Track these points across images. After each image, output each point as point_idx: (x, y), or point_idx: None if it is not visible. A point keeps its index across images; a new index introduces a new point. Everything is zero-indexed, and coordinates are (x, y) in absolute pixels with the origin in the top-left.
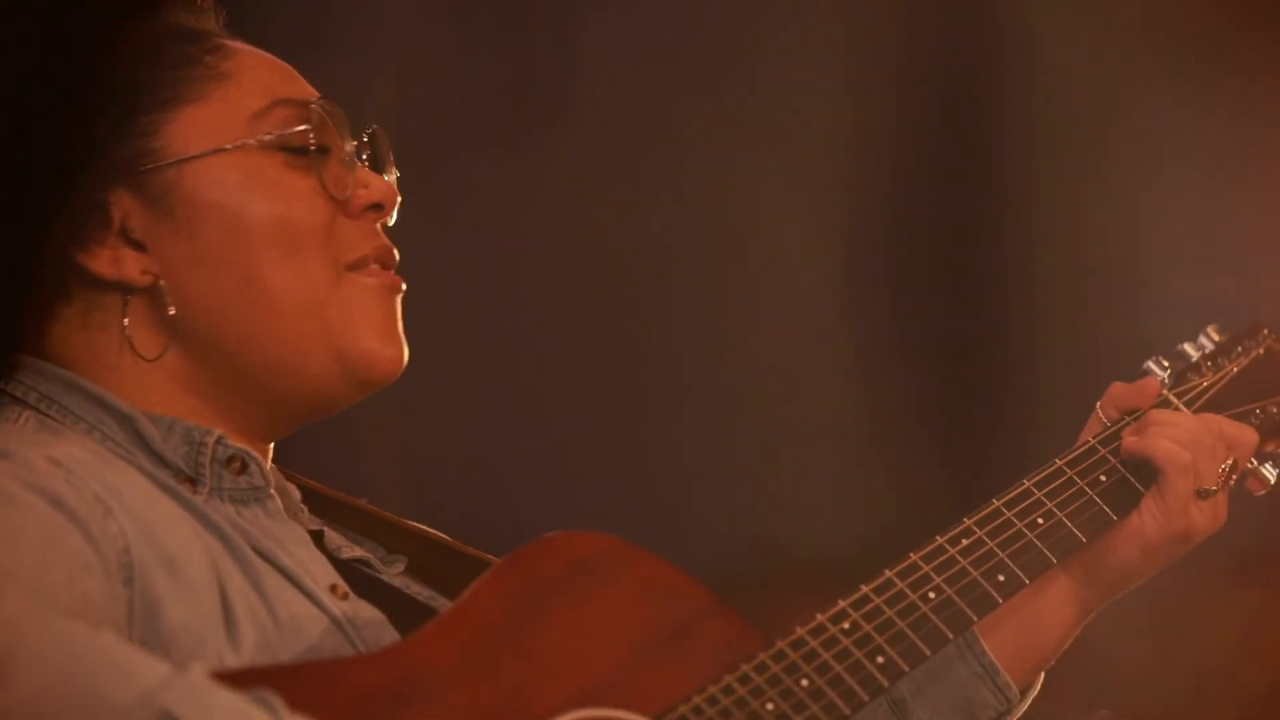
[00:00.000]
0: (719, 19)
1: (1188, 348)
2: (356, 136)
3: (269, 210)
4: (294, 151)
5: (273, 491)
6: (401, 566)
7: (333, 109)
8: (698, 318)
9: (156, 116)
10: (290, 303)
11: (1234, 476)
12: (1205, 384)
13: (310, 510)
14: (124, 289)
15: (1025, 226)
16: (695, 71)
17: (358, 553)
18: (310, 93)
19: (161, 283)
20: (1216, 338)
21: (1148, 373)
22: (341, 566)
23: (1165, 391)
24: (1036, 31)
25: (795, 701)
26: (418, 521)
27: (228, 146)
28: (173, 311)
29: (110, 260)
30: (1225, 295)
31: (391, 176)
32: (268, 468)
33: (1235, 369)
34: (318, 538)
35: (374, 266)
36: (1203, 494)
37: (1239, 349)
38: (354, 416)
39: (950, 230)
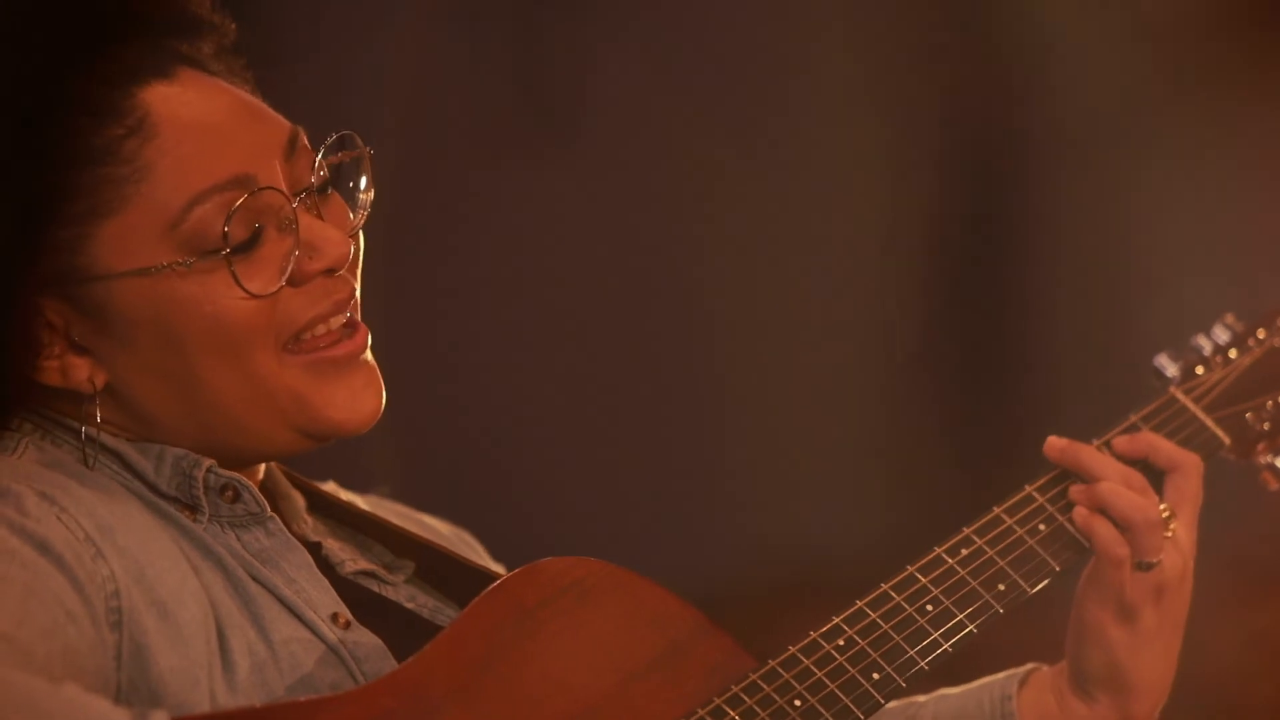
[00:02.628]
0: (735, 27)
1: (1200, 340)
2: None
3: (201, 323)
4: (216, 256)
5: (271, 514)
6: (408, 573)
7: (265, 170)
8: (714, 325)
9: (79, 231)
10: (238, 401)
11: (1172, 525)
12: (1215, 379)
13: (315, 516)
14: (77, 395)
15: (1043, 234)
16: (709, 78)
17: (362, 565)
18: (248, 150)
19: (112, 383)
20: (1232, 327)
21: (1159, 368)
22: (344, 586)
23: (1173, 389)
24: (1055, 40)
25: None
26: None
27: (150, 268)
28: (130, 406)
29: (57, 371)
30: (1242, 301)
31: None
32: (257, 483)
33: (1247, 362)
34: (316, 550)
35: (322, 335)
36: (1143, 566)
37: (1251, 341)
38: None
39: (968, 237)
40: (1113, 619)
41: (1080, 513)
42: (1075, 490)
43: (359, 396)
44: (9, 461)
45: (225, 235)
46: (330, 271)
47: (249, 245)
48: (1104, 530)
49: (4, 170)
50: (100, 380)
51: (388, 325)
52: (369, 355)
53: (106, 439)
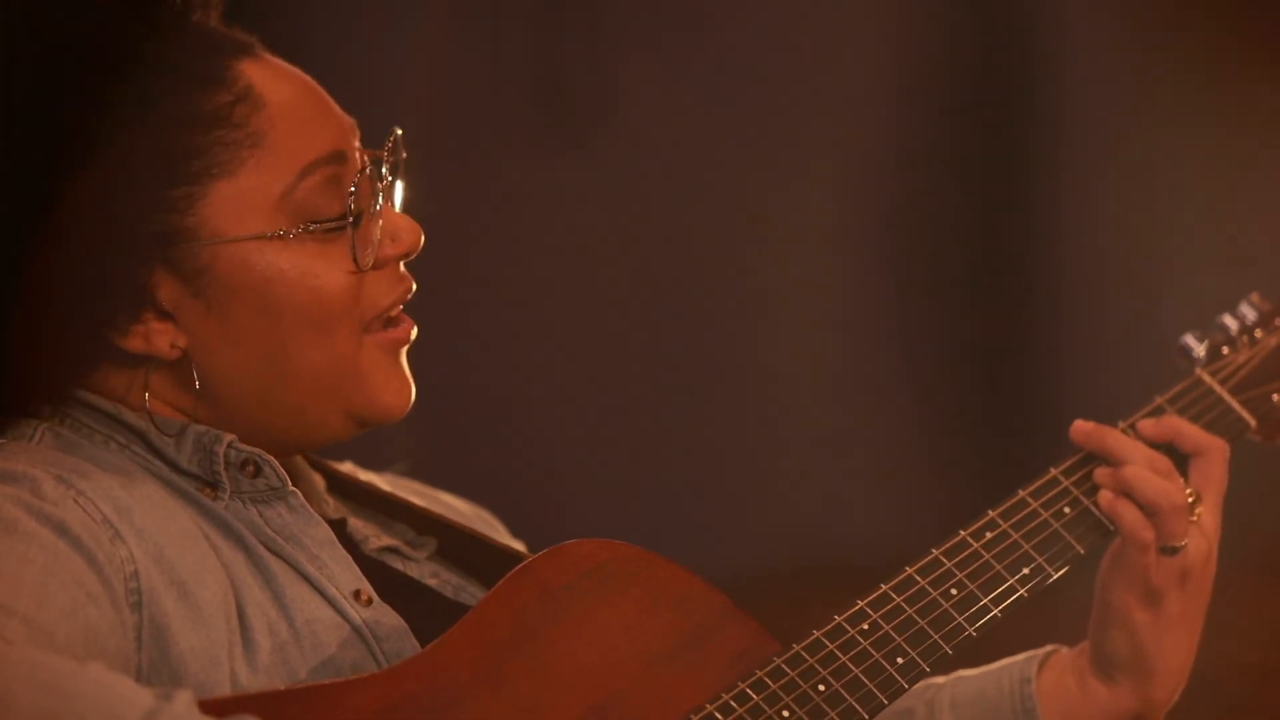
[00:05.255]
0: (753, 27)
1: (1227, 319)
2: (379, 151)
3: (303, 295)
4: (328, 230)
5: (293, 489)
6: (430, 549)
7: (363, 158)
8: (732, 312)
9: (189, 190)
10: (314, 376)
11: (1197, 509)
12: (1241, 359)
13: (336, 497)
14: (151, 360)
15: (1062, 217)
16: (727, 78)
17: (385, 541)
18: (338, 133)
19: (189, 354)
20: (1258, 306)
21: (1185, 349)
22: (367, 563)
23: (1199, 370)
24: (1062, 32)
25: (812, 707)
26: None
27: (266, 234)
28: (198, 385)
29: (142, 337)
30: (1265, 282)
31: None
32: (279, 466)
33: (1274, 342)
34: (340, 527)
35: (394, 316)
36: (1168, 550)
37: (1277, 320)
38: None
39: (981, 233)
40: (1138, 603)
41: (1105, 496)
42: (1101, 473)
43: (405, 381)
44: (25, 448)
45: (351, 205)
46: (406, 257)
47: (358, 222)
48: (1130, 514)
49: (122, 130)
50: (180, 348)
51: (410, 311)
52: None
53: (129, 416)
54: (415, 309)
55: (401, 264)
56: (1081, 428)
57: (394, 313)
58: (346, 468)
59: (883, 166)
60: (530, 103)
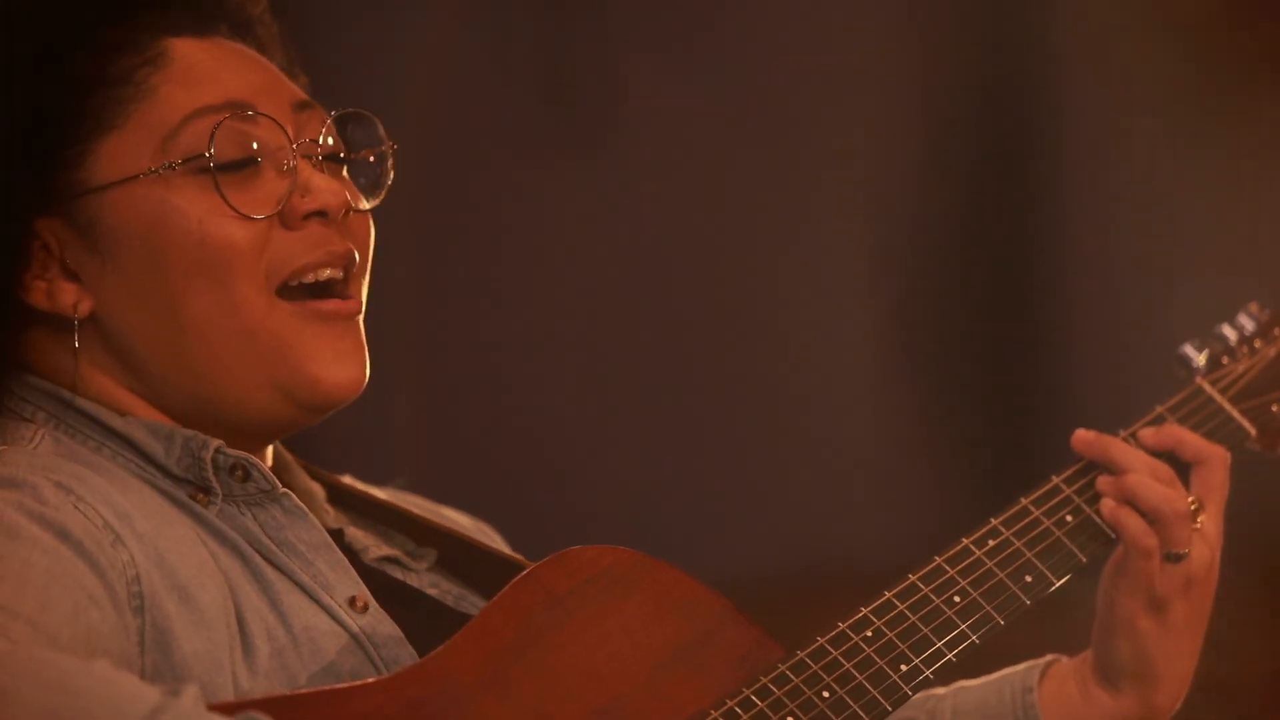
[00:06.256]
0: (762, 31)
1: (1226, 329)
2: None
3: (184, 238)
4: (205, 171)
5: (285, 490)
6: (430, 561)
7: (267, 111)
8: (738, 320)
9: (83, 147)
10: (216, 332)
11: (1200, 517)
12: (1241, 369)
13: (336, 507)
14: (64, 323)
15: (1064, 228)
16: (736, 82)
17: (385, 550)
18: (256, 89)
19: (98, 313)
20: (1258, 316)
21: (1183, 358)
22: (366, 572)
23: (1200, 380)
24: (1072, 39)
25: (816, 713)
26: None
27: (139, 174)
28: (116, 341)
29: (44, 293)
30: (1266, 291)
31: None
32: (269, 468)
33: (1273, 352)
34: (339, 536)
35: (331, 288)
36: (1172, 558)
37: (1277, 330)
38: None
39: (990, 237)
40: (1142, 611)
41: (1108, 504)
42: (1103, 482)
43: (343, 358)
44: (25, 452)
45: (210, 146)
46: (323, 216)
47: (240, 166)
48: (1132, 522)
49: (20, 94)
50: (85, 308)
51: (412, 321)
52: (360, 328)
53: (117, 422)
54: (417, 315)
55: (337, 221)
56: (1083, 437)
57: (320, 276)
58: (346, 480)
59: (891, 173)
60: (536, 105)
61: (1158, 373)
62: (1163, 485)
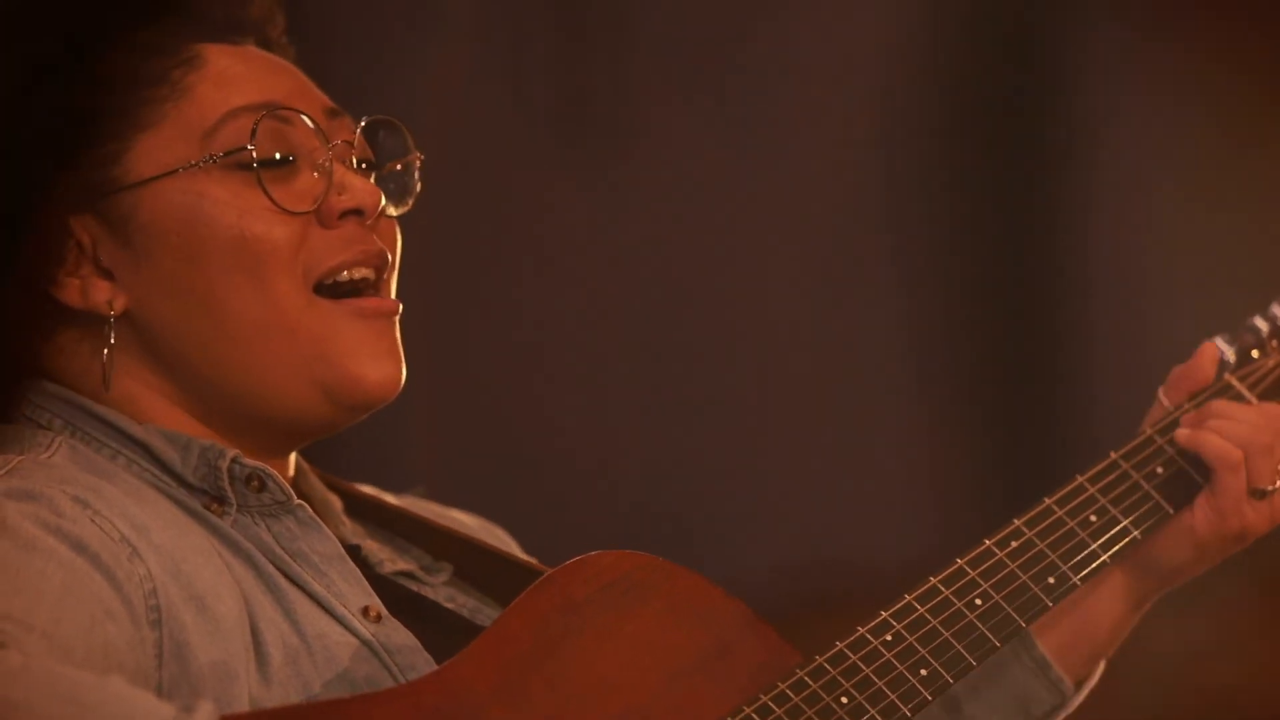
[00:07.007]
0: (777, 45)
1: (1258, 321)
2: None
3: (223, 233)
4: (246, 168)
5: (300, 502)
6: (447, 575)
7: (306, 110)
8: (749, 333)
9: (118, 145)
10: (255, 329)
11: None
12: (1272, 364)
13: (354, 519)
14: (100, 318)
15: (1080, 233)
16: (750, 93)
17: (400, 565)
18: (290, 93)
19: (132, 311)
20: None
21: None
22: (380, 583)
23: (1228, 375)
24: (1090, 37)
25: (835, 719)
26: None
27: (177, 170)
28: (148, 339)
29: (78, 290)
30: None
31: (411, 163)
32: (289, 478)
33: None
34: (355, 552)
35: (362, 288)
36: (1257, 494)
37: None
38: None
39: (1004, 238)
40: (1223, 545)
41: (1183, 433)
42: (1187, 419)
43: (382, 357)
44: (42, 461)
45: (252, 140)
46: (359, 215)
47: (278, 164)
48: (1215, 440)
49: (53, 92)
50: (120, 304)
51: (429, 334)
52: (397, 328)
53: (136, 429)
54: (434, 329)
55: (370, 221)
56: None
57: (354, 275)
58: (365, 491)
59: (906, 190)
60: (551, 127)
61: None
62: (1255, 421)
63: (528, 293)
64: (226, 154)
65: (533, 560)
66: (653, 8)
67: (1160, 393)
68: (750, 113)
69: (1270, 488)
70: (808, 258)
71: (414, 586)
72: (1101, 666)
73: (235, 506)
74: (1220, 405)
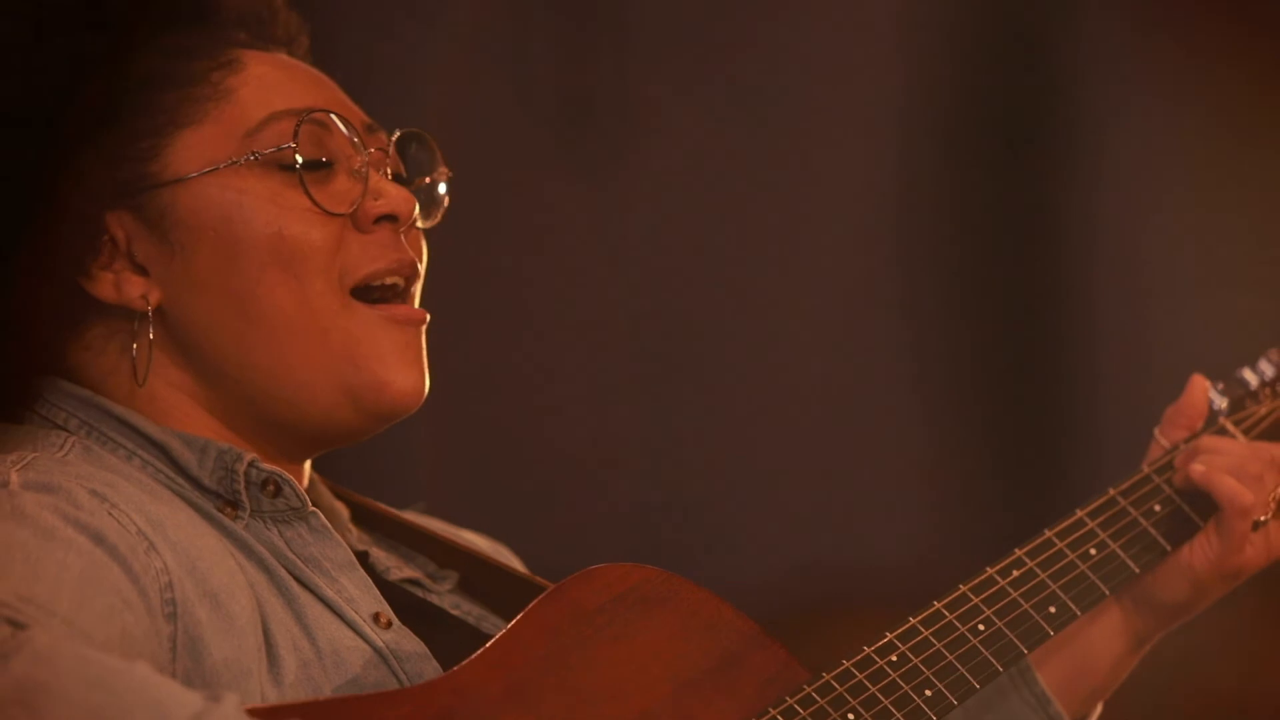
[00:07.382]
0: (782, 45)
1: (1246, 373)
2: (384, 143)
3: (261, 230)
4: (287, 168)
5: (313, 509)
6: (452, 583)
7: (345, 117)
8: (754, 340)
9: (156, 141)
10: (287, 328)
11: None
12: (1264, 411)
13: (360, 527)
14: (131, 313)
15: (1082, 234)
16: (751, 96)
17: (407, 572)
18: (328, 102)
19: (164, 307)
20: (1277, 361)
21: (1209, 401)
22: (388, 589)
23: (1223, 420)
24: (1099, 47)
25: None
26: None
27: (219, 166)
28: (179, 336)
29: (112, 284)
30: None
31: (440, 176)
32: (304, 486)
33: None
34: (363, 558)
35: (390, 296)
36: (1255, 525)
37: None
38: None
39: (1006, 240)
40: (1217, 577)
41: (1197, 469)
42: (1184, 456)
43: (410, 365)
44: (56, 459)
45: (295, 140)
46: (393, 220)
47: (318, 167)
48: (1229, 482)
49: (92, 90)
50: (154, 299)
51: (431, 344)
52: (423, 338)
53: (153, 430)
54: (437, 338)
55: (404, 229)
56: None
57: (388, 281)
58: (370, 502)
59: (912, 192)
60: (555, 127)
61: (1174, 396)
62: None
63: (528, 293)
64: (270, 153)
65: (536, 577)
66: (655, 8)
67: (1157, 432)
68: (753, 114)
69: (1265, 518)
70: (810, 260)
71: (420, 593)
72: (1099, 709)
73: (249, 511)
74: (1209, 440)
